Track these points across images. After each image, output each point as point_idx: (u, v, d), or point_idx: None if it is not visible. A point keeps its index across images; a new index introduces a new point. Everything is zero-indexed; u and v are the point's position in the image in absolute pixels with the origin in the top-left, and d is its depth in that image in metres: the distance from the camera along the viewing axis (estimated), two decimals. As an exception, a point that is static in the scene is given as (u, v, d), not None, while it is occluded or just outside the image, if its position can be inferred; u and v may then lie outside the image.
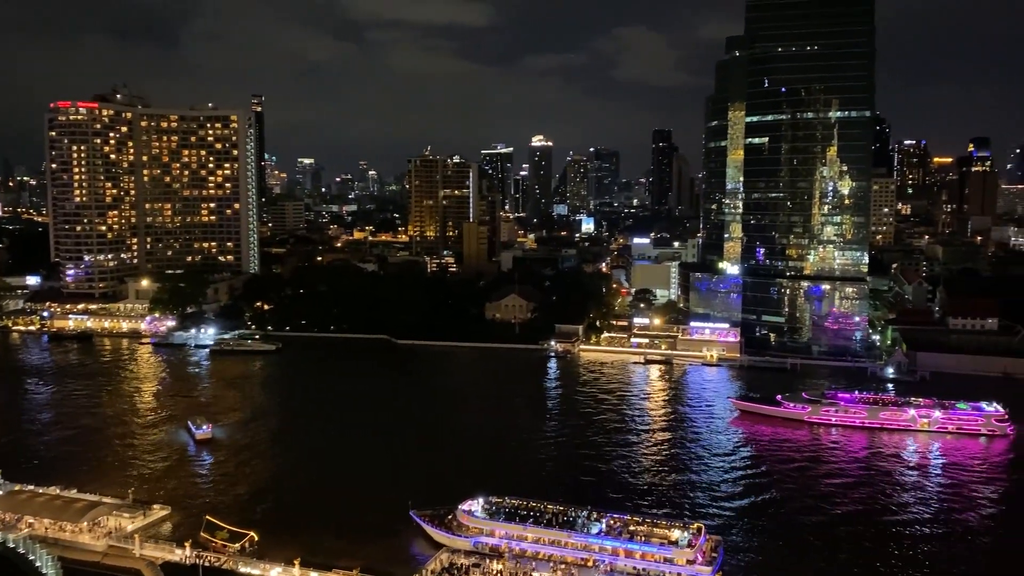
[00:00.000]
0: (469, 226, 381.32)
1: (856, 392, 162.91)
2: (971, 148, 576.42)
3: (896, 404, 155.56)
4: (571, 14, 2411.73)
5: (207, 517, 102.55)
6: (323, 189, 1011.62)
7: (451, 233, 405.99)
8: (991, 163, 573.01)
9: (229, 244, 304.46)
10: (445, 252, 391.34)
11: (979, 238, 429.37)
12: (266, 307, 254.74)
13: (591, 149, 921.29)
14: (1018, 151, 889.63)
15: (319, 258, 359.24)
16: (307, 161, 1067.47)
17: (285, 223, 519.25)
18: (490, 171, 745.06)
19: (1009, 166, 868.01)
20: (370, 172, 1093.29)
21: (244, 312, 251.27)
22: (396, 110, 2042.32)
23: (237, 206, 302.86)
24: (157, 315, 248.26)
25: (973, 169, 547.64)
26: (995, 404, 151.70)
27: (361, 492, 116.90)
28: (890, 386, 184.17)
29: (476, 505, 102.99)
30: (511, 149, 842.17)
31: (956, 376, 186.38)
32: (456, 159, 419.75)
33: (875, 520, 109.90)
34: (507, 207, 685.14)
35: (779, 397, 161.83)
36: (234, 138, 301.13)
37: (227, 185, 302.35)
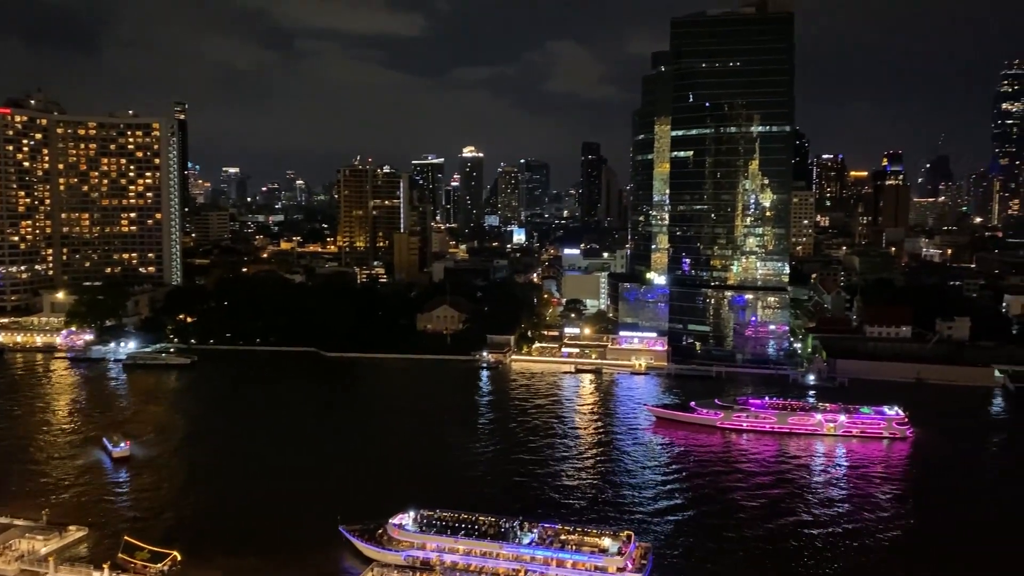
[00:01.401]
0: (400, 237, 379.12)
1: (766, 398, 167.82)
2: (885, 163, 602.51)
3: (804, 409, 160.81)
4: (501, 27, 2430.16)
5: (125, 537, 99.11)
6: (248, 199, 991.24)
7: (381, 244, 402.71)
8: (903, 177, 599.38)
9: (150, 255, 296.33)
10: (375, 263, 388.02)
11: (893, 249, 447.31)
12: (189, 320, 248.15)
13: (521, 161, 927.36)
14: (928, 166, 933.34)
15: (244, 269, 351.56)
16: (232, 170, 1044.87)
17: (209, 233, 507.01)
18: (421, 182, 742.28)
19: (920, 180, 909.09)
20: (298, 182, 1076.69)
21: (166, 325, 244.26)
22: (325, 120, 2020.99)
23: (159, 216, 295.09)
24: (74, 329, 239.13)
25: (887, 183, 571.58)
26: (896, 408, 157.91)
27: (288, 507, 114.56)
28: (811, 392, 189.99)
29: (407, 518, 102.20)
30: (442, 160, 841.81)
31: (873, 382, 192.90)
32: (386, 169, 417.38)
33: (791, 523, 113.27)
34: (438, 218, 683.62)
35: (693, 403, 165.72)
36: (156, 146, 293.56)
37: (148, 194, 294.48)
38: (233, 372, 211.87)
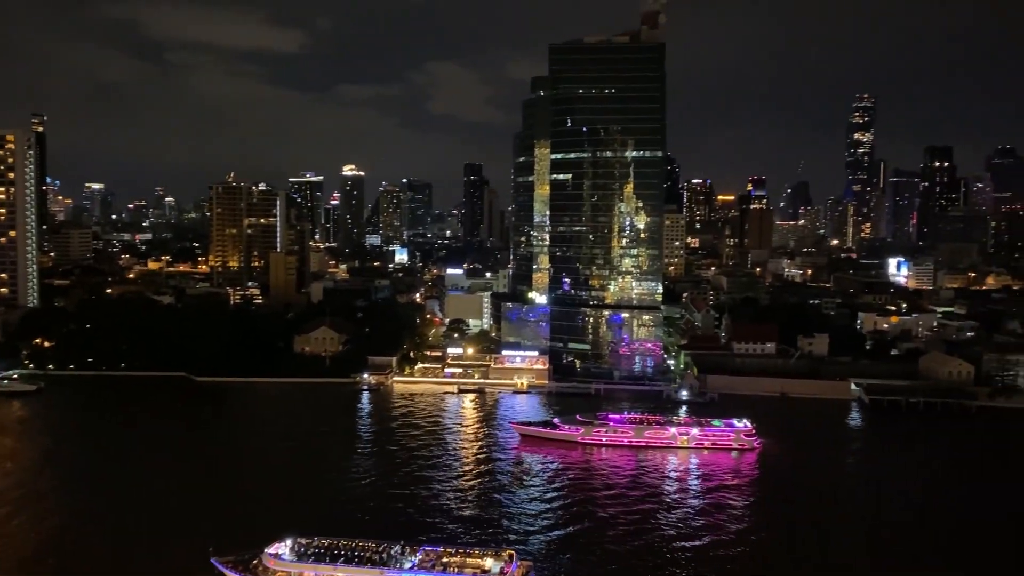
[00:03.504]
0: (276, 256, 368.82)
1: (625, 412, 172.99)
2: (750, 188, 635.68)
3: (659, 423, 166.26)
4: (383, 46, 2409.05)
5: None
6: (114, 216, 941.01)
7: (256, 263, 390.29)
8: (767, 201, 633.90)
9: (3, 275, 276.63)
10: (250, 283, 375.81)
11: (758, 269, 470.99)
12: (47, 344, 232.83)
13: (404, 180, 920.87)
14: (789, 191, 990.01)
15: (108, 290, 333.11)
16: (96, 186, 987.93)
17: (70, 252, 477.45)
18: (299, 199, 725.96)
19: (782, 204, 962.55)
20: (167, 199, 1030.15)
21: (21, 350, 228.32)
22: (198, 135, 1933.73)
23: (13, 234, 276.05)
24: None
25: (752, 207, 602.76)
26: (745, 421, 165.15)
27: (155, 539, 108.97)
28: (684, 407, 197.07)
29: (284, 547, 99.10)
30: (321, 178, 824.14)
31: (741, 396, 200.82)
32: (262, 186, 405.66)
33: (657, 533, 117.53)
34: (317, 236, 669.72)
35: (556, 420, 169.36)
36: (10, 160, 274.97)
37: (1, 211, 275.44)
38: (89, 399, 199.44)
